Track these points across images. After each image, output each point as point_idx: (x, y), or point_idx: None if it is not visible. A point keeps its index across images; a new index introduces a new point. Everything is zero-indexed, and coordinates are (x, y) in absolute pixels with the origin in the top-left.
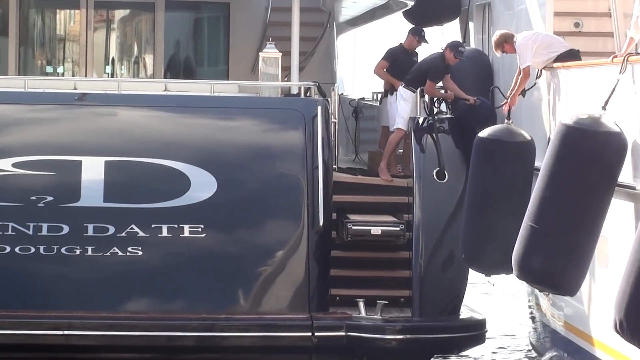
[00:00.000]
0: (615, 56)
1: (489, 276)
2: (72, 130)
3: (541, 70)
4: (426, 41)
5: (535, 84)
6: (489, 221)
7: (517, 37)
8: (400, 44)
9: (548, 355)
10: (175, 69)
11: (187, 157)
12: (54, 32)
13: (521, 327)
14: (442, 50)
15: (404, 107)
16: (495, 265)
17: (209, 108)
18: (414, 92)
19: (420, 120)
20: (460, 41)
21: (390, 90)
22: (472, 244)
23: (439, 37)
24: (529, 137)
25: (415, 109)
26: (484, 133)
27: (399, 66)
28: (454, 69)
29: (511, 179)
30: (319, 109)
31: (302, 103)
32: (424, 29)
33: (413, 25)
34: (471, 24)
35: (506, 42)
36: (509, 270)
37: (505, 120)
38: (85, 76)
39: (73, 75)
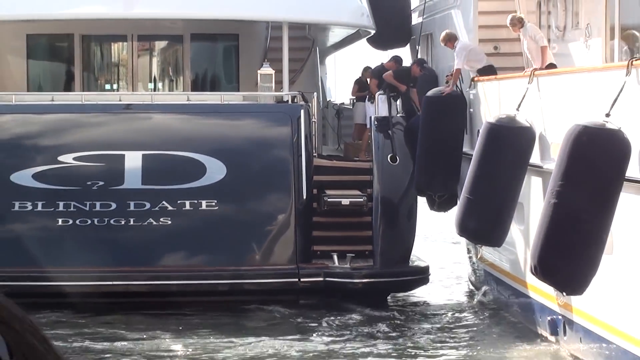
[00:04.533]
0: (526, 71)
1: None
2: (117, 131)
3: (472, 80)
4: (402, 66)
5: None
6: (432, 161)
7: (457, 43)
8: (382, 64)
9: (483, 289)
10: (199, 84)
11: (203, 149)
12: (109, 59)
13: (458, 268)
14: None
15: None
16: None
17: (220, 113)
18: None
19: (380, 118)
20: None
21: (358, 97)
22: (420, 175)
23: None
24: (459, 93)
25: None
26: (431, 93)
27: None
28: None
29: (447, 131)
30: (302, 111)
31: (289, 107)
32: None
33: (374, 49)
34: (418, 48)
35: (449, 41)
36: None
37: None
38: (132, 91)
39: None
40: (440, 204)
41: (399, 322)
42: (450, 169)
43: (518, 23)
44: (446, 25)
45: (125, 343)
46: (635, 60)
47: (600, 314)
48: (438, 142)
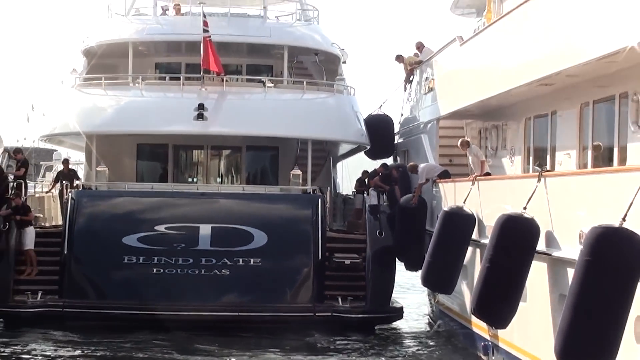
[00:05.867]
0: (470, 177)
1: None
2: (194, 210)
3: (433, 182)
4: (388, 171)
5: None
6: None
7: (419, 167)
8: (375, 169)
9: (437, 322)
10: (251, 179)
11: (252, 223)
12: (191, 161)
13: (422, 308)
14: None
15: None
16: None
17: (264, 199)
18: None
19: (372, 206)
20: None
21: (358, 190)
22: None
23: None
24: (422, 200)
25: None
26: (403, 201)
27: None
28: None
29: (417, 221)
30: (319, 200)
31: (311, 197)
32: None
33: (369, 159)
34: (398, 158)
35: (413, 169)
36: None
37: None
38: (206, 183)
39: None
40: (411, 266)
41: (381, 344)
42: (415, 250)
43: (465, 144)
44: (418, 144)
45: (197, 357)
46: (544, 172)
47: (517, 341)
48: (408, 233)
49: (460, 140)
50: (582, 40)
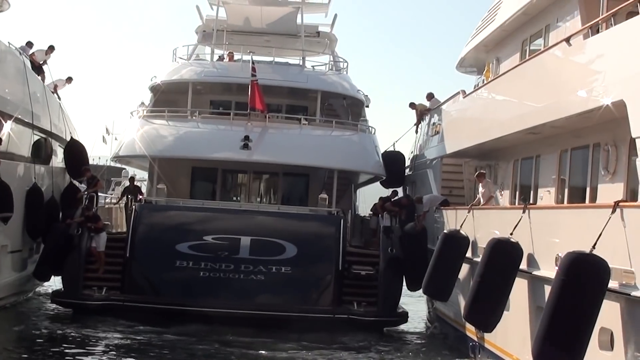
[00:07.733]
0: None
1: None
2: (237, 224)
3: (435, 209)
4: (398, 197)
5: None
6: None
7: (424, 197)
8: (387, 196)
9: (434, 325)
10: (285, 200)
11: (284, 237)
12: (236, 183)
13: (422, 314)
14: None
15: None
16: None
17: (295, 217)
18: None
19: (385, 226)
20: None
21: (374, 213)
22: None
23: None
24: (424, 228)
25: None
26: (408, 228)
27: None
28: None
29: (418, 247)
30: (342, 220)
31: (335, 217)
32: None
33: (384, 187)
34: (408, 188)
35: (419, 201)
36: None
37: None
38: (247, 202)
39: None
40: (413, 283)
41: (388, 341)
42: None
43: (482, 176)
44: (424, 177)
45: (233, 349)
46: (528, 205)
47: (500, 343)
48: (413, 252)
49: (477, 172)
50: (564, 99)
